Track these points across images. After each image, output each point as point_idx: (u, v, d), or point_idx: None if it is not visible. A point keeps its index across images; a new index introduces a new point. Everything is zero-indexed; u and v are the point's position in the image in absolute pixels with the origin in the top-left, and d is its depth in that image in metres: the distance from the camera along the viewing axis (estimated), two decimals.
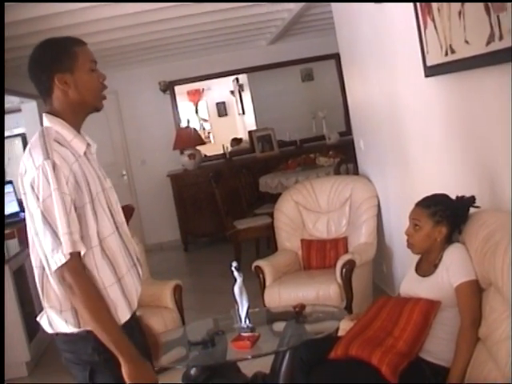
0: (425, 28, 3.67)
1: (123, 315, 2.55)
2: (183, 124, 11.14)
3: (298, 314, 4.39)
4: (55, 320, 2.55)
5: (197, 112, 13.89)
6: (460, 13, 3.13)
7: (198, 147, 10.46)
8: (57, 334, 2.58)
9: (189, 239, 10.36)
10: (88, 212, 2.45)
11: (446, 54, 3.42)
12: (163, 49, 9.20)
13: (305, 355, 3.56)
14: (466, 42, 3.14)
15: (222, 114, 14.05)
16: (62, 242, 2.33)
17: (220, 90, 13.58)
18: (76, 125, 2.58)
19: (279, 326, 4.60)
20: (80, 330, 2.49)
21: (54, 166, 2.36)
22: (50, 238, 2.36)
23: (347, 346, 3.28)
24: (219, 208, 8.48)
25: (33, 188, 2.39)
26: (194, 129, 10.93)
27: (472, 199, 3.33)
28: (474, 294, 3.13)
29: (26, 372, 5.81)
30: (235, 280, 4.27)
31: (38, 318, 2.68)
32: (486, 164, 3.43)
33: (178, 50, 9.54)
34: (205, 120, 14.09)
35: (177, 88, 10.99)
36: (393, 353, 3.14)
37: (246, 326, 4.22)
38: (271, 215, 6.61)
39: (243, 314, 4.24)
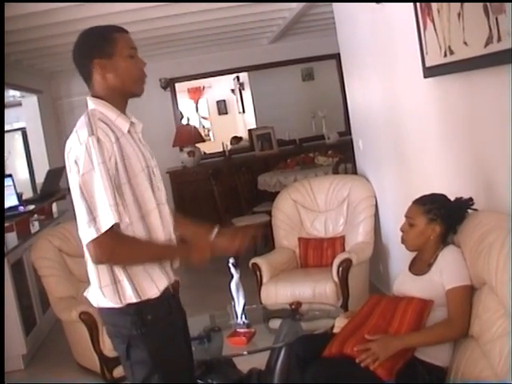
0: (424, 29, 3.69)
1: (160, 285, 2.67)
2: (183, 121, 11.14)
3: (294, 312, 4.42)
4: (96, 295, 2.64)
5: (197, 110, 13.90)
6: (459, 14, 3.15)
7: (198, 145, 10.47)
8: (100, 308, 2.68)
9: None
10: (127, 189, 2.55)
11: (445, 55, 3.44)
12: (164, 46, 9.20)
13: (300, 351, 3.56)
14: (465, 43, 3.16)
15: (222, 112, 14.05)
16: (108, 213, 2.41)
17: (220, 88, 13.58)
18: (118, 106, 2.68)
19: (275, 323, 4.63)
20: (120, 305, 2.59)
21: (98, 142, 2.45)
22: (85, 212, 2.44)
23: (342, 344, 3.28)
24: (218, 205, 8.51)
25: (76, 163, 2.47)
26: (194, 126, 10.95)
27: (469, 201, 3.35)
28: (466, 299, 3.15)
29: (22, 365, 5.82)
30: (232, 276, 4.29)
31: (84, 293, 2.78)
32: (484, 165, 3.45)
33: (179, 47, 9.55)
34: (205, 118, 14.09)
35: (177, 85, 11.00)
36: None
37: (242, 323, 4.25)
38: (269, 213, 6.63)
39: (239, 310, 4.26)
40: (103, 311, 2.67)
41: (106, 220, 2.42)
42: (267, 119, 11.03)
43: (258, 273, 5.66)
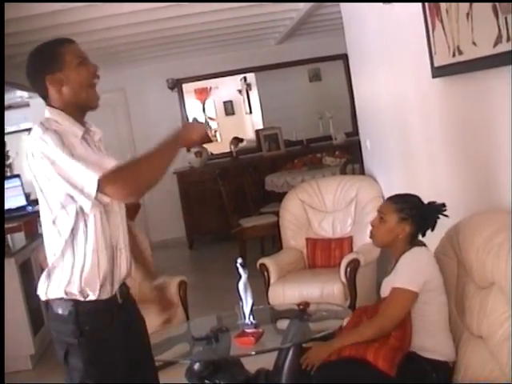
0: (433, 29, 3.68)
1: (102, 293, 2.65)
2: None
3: (301, 312, 4.41)
4: (44, 289, 2.68)
5: (204, 110, 13.90)
6: (468, 14, 3.14)
7: (205, 145, 10.45)
8: (47, 309, 2.72)
9: (194, 237, 10.38)
10: None
11: (454, 55, 3.43)
12: (171, 46, 9.22)
13: None
14: (474, 43, 3.15)
15: (229, 112, 14.05)
16: (93, 170, 2.41)
17: (227, 88, 13.57)
18: (74, 117, 2.66)
19: (283, 324, 4.62)
20: (62, 312, 2.62)
21: (54, 133, 2.47)
22: (77, 175, 2.44)
23: (339, 350, 3.33)
24: (225, 206, 8.51)
25: (44, 157, 2.47)
26: None
27: (442, 206, 3.38)
28: (399, 303, 3.24)
29: (30, 365, 5.84)
30: (240, 277, 4.28)
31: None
32: (493, 166, 3.44)
33: (187, 47, 9.56)
34: (212, 118, 14.09)
35: (184, 86, 11.02)
36: (386, 348, 3.19)
37: (249, 323, 4.23)
38: (277, 214, 6.63)
39: (247, 310, 4.25)
40: (50, 313, 2.70)
41: (92, 179, 2.41)
42: (274, 120, 11.04)
43: (265, 273, 5.66)
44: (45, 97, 2.71)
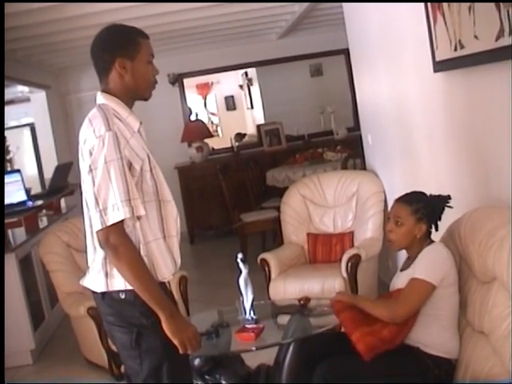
0: (434, 23, 3.66)
1: (168, 269, 2.77)
2: (191, 117, 11.13)
3: (302, 307, 4.40)
4: (101, 279, 2.70)
5: (205, 105, 13.89)
6: (470, 8, 3.12)
7: (206, 140, 10.47)
8: (103, 297, 2.72)
9: (195, 232, 10.37)
10: (147, 175, 2.68)
11: (455, 49, 3.42)
12: (172, 41, 9.19)
13: (310, 350, 3.61)
14: (476, 37, 3.14)
15: (230, 107, 14.03)
16: (120, 208, 2.49)
17: (229, 83, 13.57)
18: (128, 106, 2.77)
19: (284, 319, 4.60)
20: (128, 294, 2.65)
21: (114, 137, 2.54)
22: (94, 202, 2.53)
23: (340, 310, 3.47)
24: (226, 201, 8.50)
25: (91, 154, 2.55)
26: (202, 122, 10.94)
27: (447, 198, 3.40)
28: (418, 293, 3.24)
29: (30, 360, 5.82)
30: (240, 272, 4.27)
31: (80, 281, 2.87)
32: (494, 160, 3.43)
33: (188, 42, 9.54)
34: (213, 113, 14.08)
35: (186, 81, 11.00)
36: (375, 336, 3.23)
37: (250, 318, 4.22)
38: (278, 209, 6.62)
39: (248, 305, 4.24)
40: (107, 300, 2.71)
41: (115, 214, 2.50)
42: (276, 115, 11.02)
43: (266, 268, 5.65)
44: (102, 73, 2.76)
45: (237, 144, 10.93)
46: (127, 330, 2.68)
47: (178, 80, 10.75)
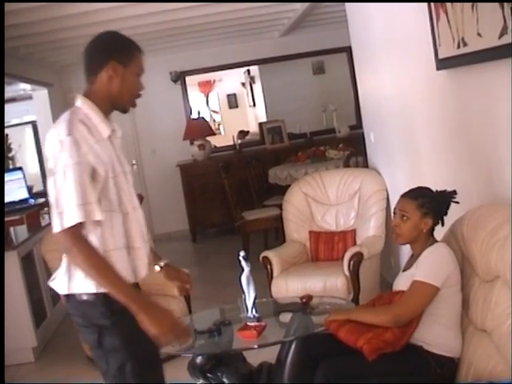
0: (437, 20, 3.65)
1: (128, 279, 2.69)
2: (194, 115, 11.13)
3: (304, 305, 4.39)
4: (64, 281, 2.72)
5: (207, 103, 13.89)
6: (473, 5, 3.11)
7: (208, 138, 10.46)
8: (67, 299, 2.73)
9: (197, 229, 10.38)
10: (110, 183, 2.66)
11: (458, 47, 3.40)
12: (175, 38, 9.20)
13: (312, 350, 3.60)
14: (479, 34, 3.12)
15: (232, 105, 14.04)
16: (74, 212, 2.50)
17: (231, 81, 13.58)
18: (104, 112, 2.78)
19: (286, 317, 4.59)
20: (89, 296, 2.65)
21: (74, 142, 2.54)
22: (54, 204, 2.57)
23: (337, 328, 3.41)
24: (228, 199, 8.49)
25: (52, 157, 2.60)
26: (205, 119, 10.94)
27: (453, 193, 3.41)
28: (420, 295, 3.24)
29: (32, 357, 5.83)
30: (242, 270, 4.27)
31: (48, 282, 2.87)
32: (497, 158, 3.41)
33: (190, 40, 9.54)
34: (215, 111, 14.08)
35: (188, 79, 11.00)
36: (378, 339, 3.22)
37: (252, 316, 4.22)
38: (280, 207, 6.61)
39: (250, 303, 4.23)
40: (71, 302, 2.72)
41: (70, 218, 2.51)
42: (278, 112, 11.02)
43: (268, 266, 5.64)
44: (91, 72, 2.79)
45: (239, 142, 10.93)
46: (91, 330, 2.70)
47: (180, 78, 10.75)
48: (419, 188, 3.53)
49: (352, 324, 3.39)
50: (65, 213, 2.51)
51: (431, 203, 3.38)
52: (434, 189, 3.48)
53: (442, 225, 3.45)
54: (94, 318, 2.66)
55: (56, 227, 2.54)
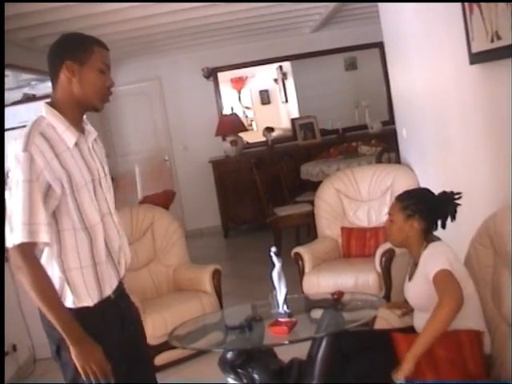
0: (470, 14, 3.61)
1: (90, 298, 2.66)
2: (226, 111, 11.15)
3: (336, 302, 4.38)
4: None
5: (240, 99, 13.91)
6: None
7: (241, 134, 10.48)
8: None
9: (229, 226, 10.40)
10: (69, 200, 2.57)
11: (492, 41, 3.36)
12: (207, 35, 9.22)
13: (344, 347, 3.59)
14: None
15: (265, 101, 14.06)
16: (19, 230, 2.46)
17: (263, 77, 13.58)
18: (72, 117, 2.66)
19: (317, 313, 4.59)
20: None
21: (29, 159, 2.47)
22: (7, 218, 2.52)
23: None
24: (260, 195, 8.49)
25: (9, 171, 2.52)
26: (237, 115, 10.96)
27: (453, 195, 3.35)
28: (446, 278, 3.11)
29: None
30: (274, 266, 4.27)
31: None
32: None
33: (222, 36, 9.55)
34: (248, 107, 14.10)
35: (220, 75, 11.01)
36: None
37: (283, 312, 4.22)
38: (312, 203, 6.60)
39: (281, 299, 4.23)
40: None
41: (16, 236, 2.47)
42: (310, 108, 11.00)
43: (300, 262, 5.64)
44: (53, 78, 2.68)
45: (271, 138, 10.92)
46: (52, 340, 2.68)
47: (212, 74, 10.76)
48: (411, 190, 3.56)
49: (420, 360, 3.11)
50: (14, 230, 2.47)
51: (417, 205, 3.35)
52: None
53: (443, 227, 3.38)
54: (52, 330, 2.61)
55: (8, 242, 2.51)
